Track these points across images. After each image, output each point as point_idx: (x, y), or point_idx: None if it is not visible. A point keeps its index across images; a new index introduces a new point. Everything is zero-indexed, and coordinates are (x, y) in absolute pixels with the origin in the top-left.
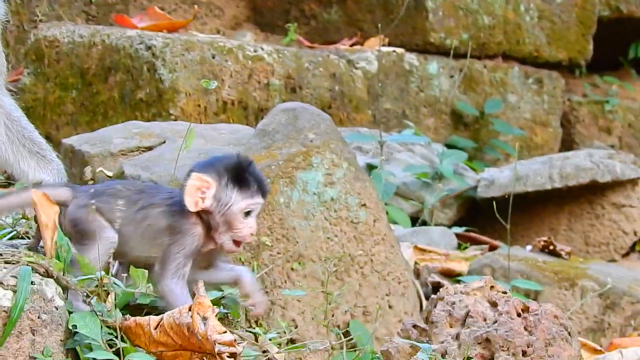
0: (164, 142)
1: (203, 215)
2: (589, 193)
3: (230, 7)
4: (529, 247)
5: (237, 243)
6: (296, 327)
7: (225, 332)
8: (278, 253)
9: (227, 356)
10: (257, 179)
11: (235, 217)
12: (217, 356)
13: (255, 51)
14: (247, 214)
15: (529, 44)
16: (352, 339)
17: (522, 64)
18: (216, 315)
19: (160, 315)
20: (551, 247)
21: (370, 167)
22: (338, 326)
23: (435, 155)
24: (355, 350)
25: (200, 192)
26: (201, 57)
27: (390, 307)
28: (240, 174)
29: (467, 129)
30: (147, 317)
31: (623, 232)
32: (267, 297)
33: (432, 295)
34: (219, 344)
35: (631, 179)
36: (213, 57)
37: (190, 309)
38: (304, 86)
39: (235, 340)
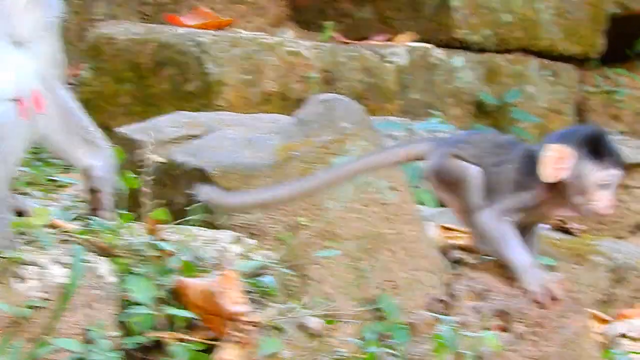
0: (210, 130)
1: (558, 184)
2: None
3: (272, 6)
4: (546, 226)
5: (597, 213)
6: (331, 300)
7: (244, 303)
8: (314, 233)
9: (247, 325)
10: (613, 150)
11: (591, 189)
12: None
13: (294, 47)
14: (604, 185)
15: (545, 39)
16: (381, 311)
17: (539, 57)
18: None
19: (205, 280)
20: (565, 226)
21: None
22: (371, 300)
23: None
24: (384, 321)
25: (559, 163)
26: (245, 52)
27: (417, 282)
28: (597, 145)
29: (489, 117)
30: (195, 280)
31: (631, 211)
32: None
33: (454, 271)
34: (235, 314)
35: (638, 163)
36: (256, 53)
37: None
38: (339, 79)
39: (248, 312)
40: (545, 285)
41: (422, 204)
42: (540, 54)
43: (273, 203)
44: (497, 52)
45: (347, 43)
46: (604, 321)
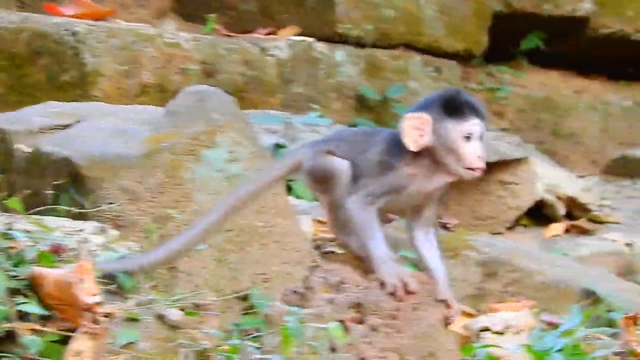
0: (81, 121)
1: (426, 154)
2: None
3: None
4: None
5: (471, 170)
6: (200, 293)
7: (99, 294)
8: (184, 225)
9: (102, 316)
10: (468, 102)
11: (457, 145)
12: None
13: (173, 38)
14: (468, 138)
15: (428, 35)
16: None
17: (422, 53)
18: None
19: (60, 271)
20: (440, 220)
21: (278, 147)
22: (240, 292)
23: None
24: (254, 314)
25: (418, 130)
26: (123, 43)
27: (288, 274)
28: (452, 103)
29: (371, 112)
30: (50, 270)
31: (508, 207)
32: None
33: (311, 263)
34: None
35: (515, 159)
36: (134, 44)
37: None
38: (219, 71)
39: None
40: (400, 278)
41: (299, 197)
42: (424, 50)
43: (174, 256)
44: (380, 47)
45: (230, 36)
46: (469, 315)
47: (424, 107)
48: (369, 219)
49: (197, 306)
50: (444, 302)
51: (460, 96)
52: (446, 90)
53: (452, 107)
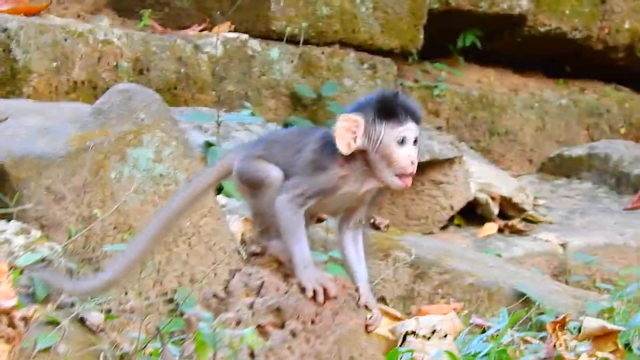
0: (7, 118)
1: (359, 157)
2: None
3: None
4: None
5: (401, 177)
6: (126, 293)
7: (14, 297)
8: (109, 224)
9: (18, 320)
10: (404, 105)
11: (390, 149)
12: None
13: (105, 35)
14: (402, 142)
15: (364, 33)
16: (177, 305)
17: (358, 50)
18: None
19: None
20: (371, 221)
21: (209, 145)
22: (166, 293)
23: None
24: (179, 317)
25: (351, 133)
26: (53, 39)
27: (215, 275)
28: (386, 105)
29: (306, 110)
30: None
31: (441, 207)
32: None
33: (231, 267)
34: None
35: (448, 158)
36: (65, 40)
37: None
38: (151, 68)
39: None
40: (320, 283)
41: (229, 196)
42: (359, 47)
43: (118, 279)
44: (315, 44)
45: (164, 32)
46: (396, 318)
47: (359, 108)
48: (296, 221)
49: (121, 309)
50: (365, 308)
51: (396, 98)
52: (382, 91)
53: (387, 109)
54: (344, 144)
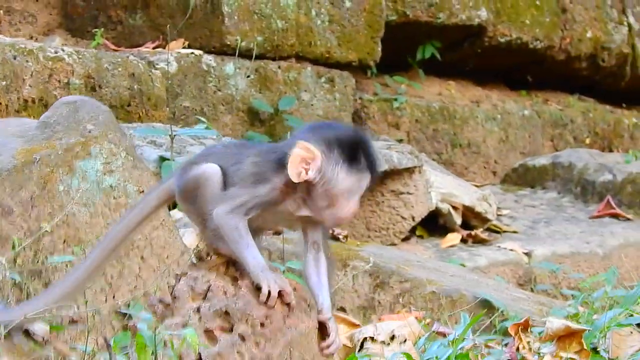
0: None
1: (303, 183)
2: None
3: (43, 14)
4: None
5: (337, 219)
6: (78, 308)
7: None
8: (59, 238)
9: None
10: (369, 156)
11: (338, 195)
12: None
13: (55, 52)
14: (351, 193)
15: (320, 46)
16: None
17: (315, 64)
18: None
19: None
20: (330, 231)
21: (163, 159)
22: (119, 308)
23: None
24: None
25: (305, 163)
26: (2, 58)
27: (169, 287)
28: (350, 150)
29: (263, 125)
30: None
31: (402, 217)
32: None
33: (176, 272)
34: None
35: (408, 168)
36: (14, 58)
37: None
38: (103, 85)
39: None
40: (277, 285)
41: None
42: (316, 61)
43: (58, 300)
44: (271, 59)
45: (117, 50)
46: (355, 325)
47: (321, 139)
48: (240, 228)
49: (72, 321)
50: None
51: (364, 145)
52: (349, 130)
53: (351, 155)
54: (295, 172)
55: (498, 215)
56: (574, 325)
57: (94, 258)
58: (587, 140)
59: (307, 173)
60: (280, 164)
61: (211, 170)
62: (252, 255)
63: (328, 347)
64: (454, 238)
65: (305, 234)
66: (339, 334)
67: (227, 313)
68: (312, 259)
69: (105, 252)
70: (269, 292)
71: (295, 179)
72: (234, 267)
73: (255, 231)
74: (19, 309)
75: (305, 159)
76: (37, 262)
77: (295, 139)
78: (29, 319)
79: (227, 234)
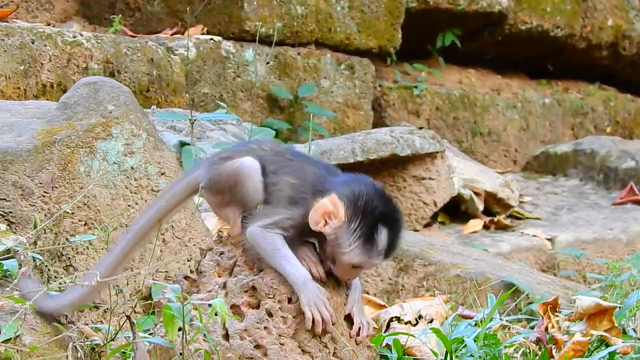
0: None
1: None
2: (391, 167)
3: (60, 1)
4: None
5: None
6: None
7: None
8: (79, 220)
9: None
10: (387, 239)
11: (343, 263)
12: None
13: (74, 37)
14: (356, 267)
15: (340, 33)
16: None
17: (334, 51)
18: None
19: None
20: None
21: (182, 144)
22: (140, 290)
23: (245, 133)
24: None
25: (327, 217)
26: (21, 42)
27: (191, 271)
28: (375, 228)
29: (282, 112)
30: None
31: (424, 203)
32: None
33: (201, 247)
34: None
35: (430, 153)
36: (32, 43)
37: None
38: (122, 70)
39: None
40: (318, 309)
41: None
42: (336, 47)
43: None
44: (290, 45)
45: (135, 36)
46: (381, 306)
47: (352, 200)
48: (276, 242)
49: (94, 305)
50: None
51: (389, 226)
52: (385, 205)
53: (372, 233)
54: (314, 221)
55: (520, 202)
56: (604, 303)
57: (121, 250)
58: (608, 129)
59: (324, 227)
60: (315, 193)
61: (253, 164)
62: (291, 268)
63: (357, 334)
64: (476, 224)
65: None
66: (366, 317)
67: (254, 288)
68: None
69: (131, 243)
70: (313, 319)
71: (313, 227)
72: (250, 255)
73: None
74: (63, 297)
75: (330, 213)
76: (59, 244)
77: (333, 185)
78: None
79: (264, 248)
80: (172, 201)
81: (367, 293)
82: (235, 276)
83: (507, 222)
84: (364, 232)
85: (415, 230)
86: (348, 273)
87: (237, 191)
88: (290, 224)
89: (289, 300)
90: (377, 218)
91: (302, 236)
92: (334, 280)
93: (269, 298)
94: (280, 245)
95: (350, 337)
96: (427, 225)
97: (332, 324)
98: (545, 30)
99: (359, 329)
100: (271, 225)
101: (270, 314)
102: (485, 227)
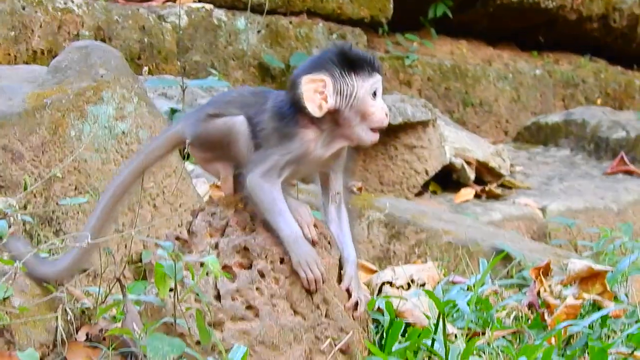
0: None
1: (326, 117)
2: (383, 134)
3: None
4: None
5: (374, 131)
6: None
7: None
8: (70, 185)
9: None
10: (366, 58)
11: (365, 102)
12: None
13: (65, 4)
14: (374, 94)
15: (332, 2)
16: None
17: (326, 20)
18: None
19: None
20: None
21: (173, 111)
22: (132, 257)
23: None
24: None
25: (319, 93)
26: (11, 8)
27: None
28: (349, 59)
29: (274, 81)
30: None
31: (415, 171)
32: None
33: (194, 207)
34: None
35: (422, 121)
36: (23, 9)
37: None
38: (113, 37)
39: None
40: (311, 267)
41: (196, 163)
42: (327, 17)
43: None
44: (282, 14)
45: (126, 3)
46: (373, 271)
47: (319, 66)
48: (274, 195)
49: (84, 270)
50: (347, 292)
51: (357, 51)
52: (336, 46)
53: (352, 63)
54: (315, 107)
55: (511, 172)
56: (596, 267)
57: (105, 206)
58: (599, 101)
59: (326, 101)
60: (294, 112)
61: (240, 124)
62: (285, 224)
63: (354, 308)
64: (467, 193)
65: (326, 186)
66: (362, 287)
67: (246, 249)
68: (334, 210)
69: (114, 198)
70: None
71: (317, 114)
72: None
73: (283, 186)
74: (59, 264)
75: (317, 89)
76: (48, 208)
77: (295, 78)
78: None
79: (261, 200)
80: (153, 154)
81: (359, 258)
82: (227, 237)
83: (499, 191)
84: (351, 67)
85: (407, 199)
86: (379, 108)
87: (229, 149)
88: (288, 159)
89: (281, 261)
90: (344, 53)
91: (303, 166)
92: (325, 241)
93: (261, 259)
94: (278, 198)
95: (346, 310)
96: (418, 194)
97: (322, 282)
98: (536, 2)
99: (357, 303)
100: (269, 171)
101: (262, 275)
102: (477, 196)
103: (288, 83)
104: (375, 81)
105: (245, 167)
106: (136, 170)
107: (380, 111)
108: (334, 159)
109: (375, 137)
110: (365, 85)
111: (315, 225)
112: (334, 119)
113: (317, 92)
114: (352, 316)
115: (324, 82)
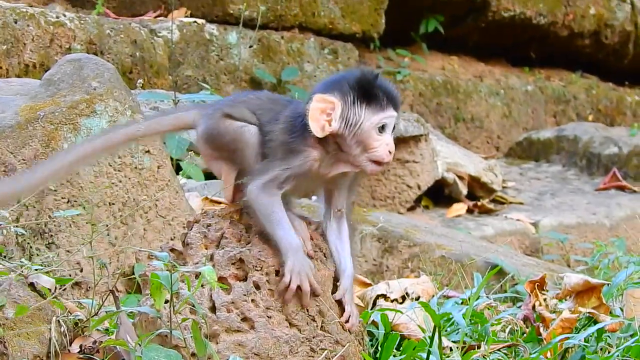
0: None
1: (332, 139)
2: None
3: None
4: (314, 198)
5: (377, 163)
6: (81, 270)
7: None
8: (62, 198)
9: None
10: (385, 90)
11: (369, 135)
12: None
13: (57, 17)
14: (381, 129)
15: (324, 17)
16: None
17: (318, 35)
18: None
19: None
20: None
21: None
22: (124, 270)
23: None
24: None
25: (326, 115)
26: (3, 21)
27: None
28: (366, 88)
29: None
30: None
31: (407, 186)
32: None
33: (189, 219)
34: None
35: (414, 136)
36: (15, 22)
37: None
38: (105, 51)
39: None
40: (296, 282)
41: (188, 177)
42: (319, 31)
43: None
44: (274, 29)
45: (118, 19)
46: (367, 284)
47: (334, 88)
48: (273, 205)
49: (77, 284)
50: (339, 303)
51: (377, 81)
52: (362, 70)
53: (368, 92)
54: (318, 127)
55: (503, 187)
56: (592, 280)
57: (88, 147)
58: (590, 117)
59: (330, 124)
60: (304, 128)
61: (251, 135)
62: (284, 234)
63: (347, 321)
64: (460, 208)
65: (329, 200)
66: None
67: (241, 260)
68: (335, 225)
69: (100, 147)
70: (288, 285)
71: (319, 134)
72: (248, 214)
73: (286, 200)
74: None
75: (325, 110)
76: (41, 221)
77: (312, 93)
78: None
79: (260, 210)
80: (155, 127)
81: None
82: (223, 248)
83: (491, 206)
84: (363, 95)
85: (399, 214)
86: (383, 145)
87: (235, 155)
88: (289, 174)
89: (277, 273)
90: (361, 81)
91: (306, 182)
92: (321, 253)
93: (257, 270)
94: (277, 209)
95: (342, 325)
96: (410, 209)
97: (317, 296)
98: (527, 17)
99: (349, 316)
100: (270, 182)
101: (257, 287)
102: (469, 211)
103: (307, 95)
104: (386, 116)
105: (248, 175)
106: (132, 133)
107: (383, 147)
108: (340, 178)
109: (376, 168)
110: (373, 119)
111: (311, 238)
112: (337, 143)
113: (324, 113)
114: (343, 328)
115: (333, 105)
